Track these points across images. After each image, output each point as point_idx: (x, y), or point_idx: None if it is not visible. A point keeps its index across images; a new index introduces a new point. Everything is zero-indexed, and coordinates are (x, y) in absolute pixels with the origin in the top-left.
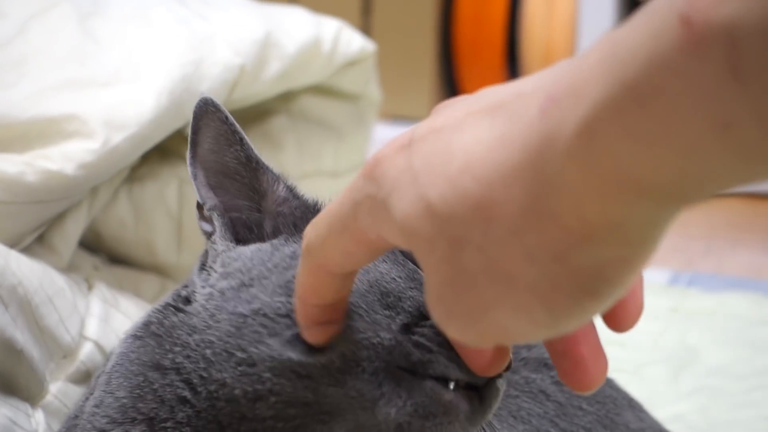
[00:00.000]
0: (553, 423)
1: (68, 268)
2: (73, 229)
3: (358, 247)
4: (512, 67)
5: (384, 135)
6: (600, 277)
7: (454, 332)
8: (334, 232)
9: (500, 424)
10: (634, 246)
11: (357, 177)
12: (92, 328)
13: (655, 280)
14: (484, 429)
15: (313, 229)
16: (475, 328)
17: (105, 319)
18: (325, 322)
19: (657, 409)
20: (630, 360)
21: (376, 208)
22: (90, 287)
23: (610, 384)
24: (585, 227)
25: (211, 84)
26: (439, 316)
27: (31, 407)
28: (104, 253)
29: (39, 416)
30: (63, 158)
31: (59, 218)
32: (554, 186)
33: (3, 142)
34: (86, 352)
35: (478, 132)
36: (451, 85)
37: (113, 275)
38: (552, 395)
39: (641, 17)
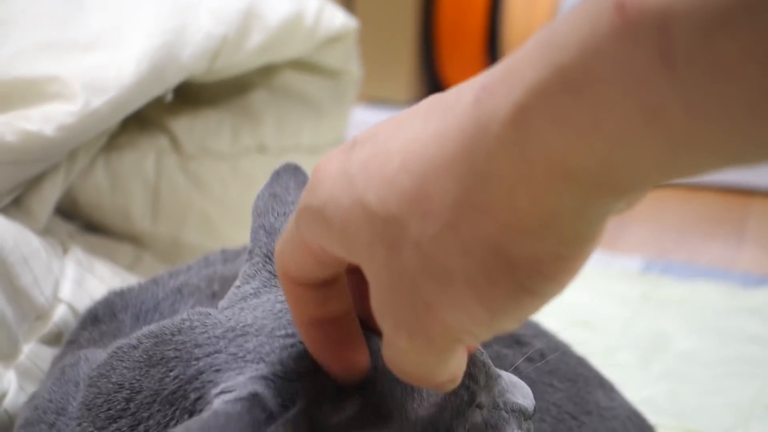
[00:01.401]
0: None
1: (44, 234)
2: (50, 193)
3: (307, 259)
4: (493, 54)
5: (363, 118)
6: (536, 272)
7: (405, 342)
8: (288, 243)
9: None
10: (568, 242)
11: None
12: (67, 291)
13: (627, 267)
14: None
15: (279, 240)
16: (422, 332)
17: (79, 283)
18: (333, 348)
19: (626, 392)
20: (599, 344)
21: (313, 220)
22: (65, 251)
23: (581, 363)
24: (518, 219)
25: (192, 51)
26: (388, 328)
27: (2, 367)
28: (80, 221)
29: (11, 375)
30: (42, 119)
31: (36, 182)
32: (487, 176)
33: None
34: (60, 314)
35: (414, 131)
36: (431, 70)
37: (88, 243)
38: (523, 371)
39: (580, 4)
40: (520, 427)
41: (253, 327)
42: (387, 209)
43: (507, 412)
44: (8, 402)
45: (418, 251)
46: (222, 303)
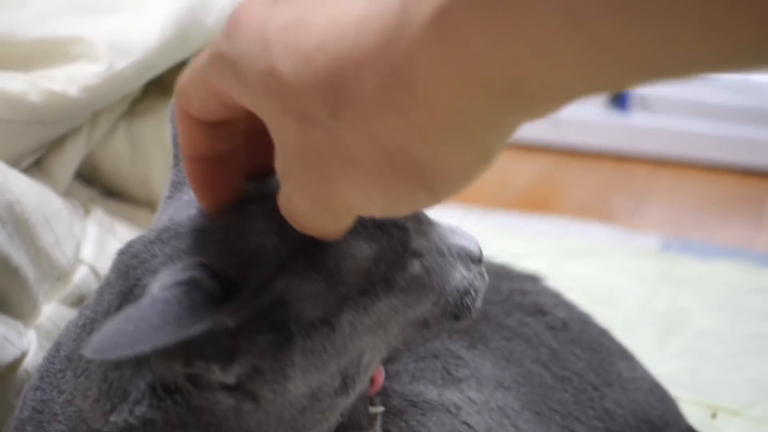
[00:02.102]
0: (546, 367)
1: (65, 196)
2: (72, 156)
3: (211, 98)
4: None
5: None
6: (438, 175)
7: (304, 205)
8: (195, 79)
9: (493, 366)
10: (475, 150)
11: (222, 29)
12: (88, 252)
13: (646, 245)
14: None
15: (184, 74)
16: (322, 201)
17: (101, 244)
18: (211, 183)
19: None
20: (619, 319)
21: (226, 68)
22: (87, 212)
23: (604, 334)
24: (430, 123)
25: (217, 16)
26: (289, 190)
27: (23, 326)
28: (100, 187)
29: (31, 335)
30: (67, 80)
31: (58, 144)
32: (405, 79)
33: (7, 60)
34: (81, 275)
35: (340, 8)
36: None
37: (108, 207)
38: (545, 340)
39: None
40: (468, 269)
41: (186, 226)
42: (300, 85)
43: (451, 256)
44: (28, 362)
45: (327, 133)
46: (156, 215)
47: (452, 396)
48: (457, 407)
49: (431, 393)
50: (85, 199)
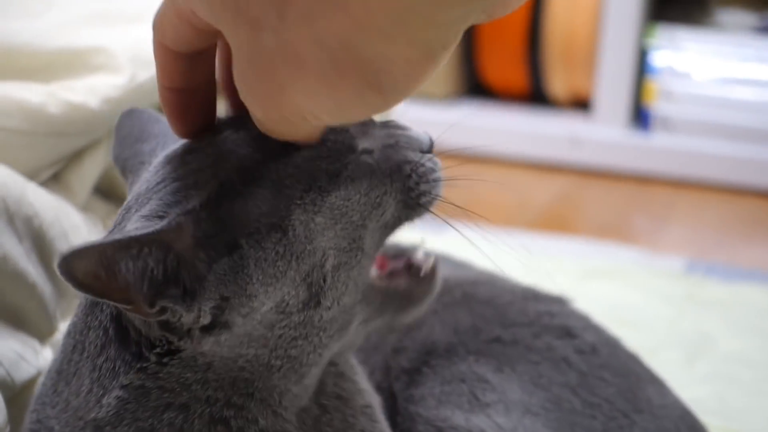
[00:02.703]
0: (575, 393)
1: (83, 210)
2: (91, 170)
3: (182, 25)
4: (533, 51)
5: (405, 112)
6: (383, 71)
7: (255, 109)
8: (168, 9)
9: (521, 390)
10: (417, 46)
11: None
12: None
13: (671, 267)
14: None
15: (159, 7)
16: (275, 109)
17: None
18: (185, 113)
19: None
20: (644, 343)
21: None
22: (105, 227)
23: (633, 359)
24: (370, 18)
25: None
26: (242, 93)
27: (39, 343)
28: (118, 201)
29: (47, 353)
30: (87, 91)
31: (77, 157)
32: None
33: (27, 71)
34: None
35: None
36: (470, 67)
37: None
38: (574, 364)
39: None
40: (417, 155)
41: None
42: None
43: (399, 146)
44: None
45: (276, 36)
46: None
47: (479, 422)
48: None
49: (458, 419)
50: (104, 214)
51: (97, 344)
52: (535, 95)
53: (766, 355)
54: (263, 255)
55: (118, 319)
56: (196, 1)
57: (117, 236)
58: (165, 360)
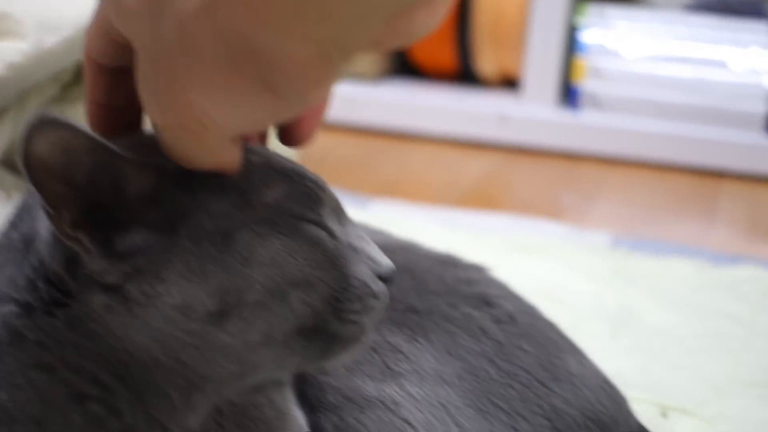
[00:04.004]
0: (491, 362)
1: None
2: None
3: (103, 36)
4: (462, 30)
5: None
6: (279, 70)
7: (158, 119)
8: (94, 23)
9: (435, 360)
10: (314, 43)
11: None
12: None
13: (597, 242)
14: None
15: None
16: (172, 110)
17: None
18: (110, 130)
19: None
20: (569, 317)
21: None
22: (9, 197)
23: (552, 328)
24: (269, 11)
25: None
26: (146, 105)
27: None
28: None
29: None
30: None
31: None
32: None
33: None
34: None
35: None
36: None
37: None
38: (491, 333)
39: None
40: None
41: None
42: None
43: (361, 258)
44: None
45: (177, 26)
46: None
47: (391, 391)
48: (396, 403)
49: (369, 388)
50: (11, 186)
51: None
52: (464, 74)
53: (691, 328)
54: (195, 250)
55: (28, 240)
56: (110, 8)
57: (97, 137)
58: (53, 310)
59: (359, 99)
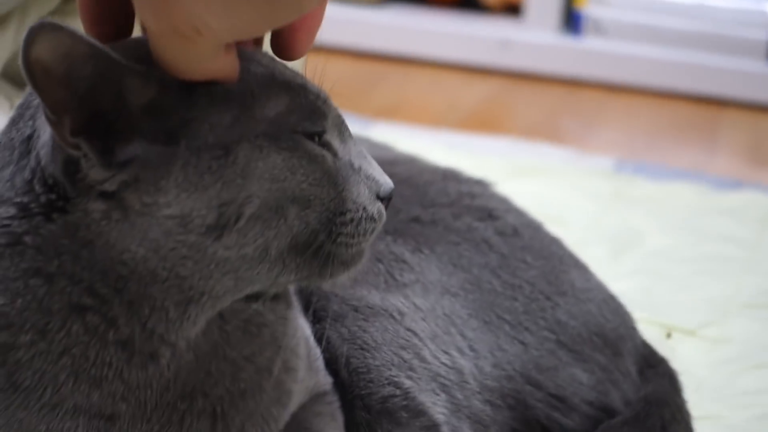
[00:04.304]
0: (495, 274)
1: None
2: None
3: None
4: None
5: (334, 16)
6: None
7: (152, 23)
8: None
9: (440, 271)
10: None
11: None
12: None
13: (600, 166)
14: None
15: None
16: (166, 14)
17: None
18: (98, 16)
19: None
20: (570, 238)
21: None
22: (12, 107)
23: (556, 243)
24: None
25: None
26: (139, 5)
27: None
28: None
29: None
30: None
31: None
32: None
33: None
34: None
35: None
36: None
37: None
38: (495, 246)
39: None
40: (372, 201)
41: None
42: None
43: (359, 176)
44: None
45: None
46: None
47: (396, 301)
48: (401, 313)
49: (374, 298)
50: (13, 96)
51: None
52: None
53: (693, 251)
54: (195, 162)
55: (28, 141)
56: None
57: (99, 44)
58: (51, 214)
59: (360, 23)
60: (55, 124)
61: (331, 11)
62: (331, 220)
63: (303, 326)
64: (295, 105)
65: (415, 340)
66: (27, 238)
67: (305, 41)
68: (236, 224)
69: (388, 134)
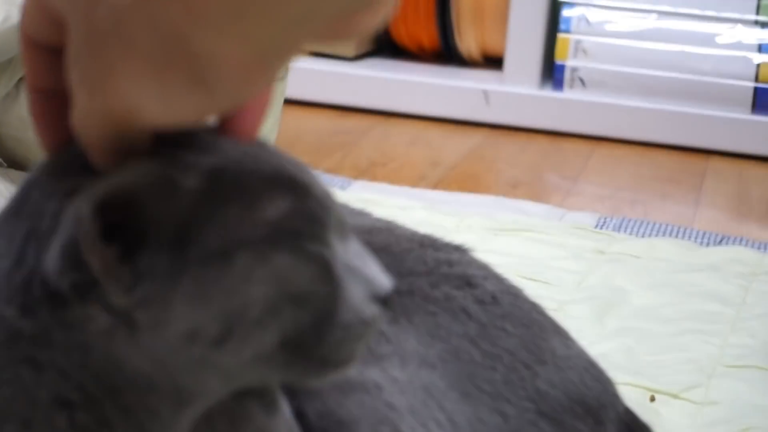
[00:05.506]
0: (474, 343)
1: None
2: None
3: (38, 13)
4: (444, 8)
5: (315, 69)
6: (212, 68)
7: (84, 99)
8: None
9: (417, 342)
10: (250, 45)
11: None
12: None
13: (581, 223)
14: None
15: None
16: (101, 94)
17: None
18: (54, 121)
19: None
20: (553, 298)
21: None
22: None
23: (536, 309)
24: (203, 6)
25: None
26: (74, 83)
27: None
28: (2, 157)
29: None
30: None
31: None
32: None
33: None
34: None
35: None
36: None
37: (10, 177)
38: (474, 315)
39: None
40: (370, 305)
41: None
42: None
43: (357, 279)
44: None
45: (112, 13)
46: None
47: (373, 374)
48: (379, 387)
49: (351, 371)
50: None
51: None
52: (446, 52)
53: (677, 309)
54: (203, 274)
55: (26, 238)
56: None
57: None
58: (51, 308)
59: (338, 77)
60: (100, 252)
61: (307, 65)
62: (322, 321)
63: (286, 413)
64: (298, 207)
65: (393, 415)
66: (25, 330)
67: (254, 121)
68: (237, 331)
69: (368, 193)
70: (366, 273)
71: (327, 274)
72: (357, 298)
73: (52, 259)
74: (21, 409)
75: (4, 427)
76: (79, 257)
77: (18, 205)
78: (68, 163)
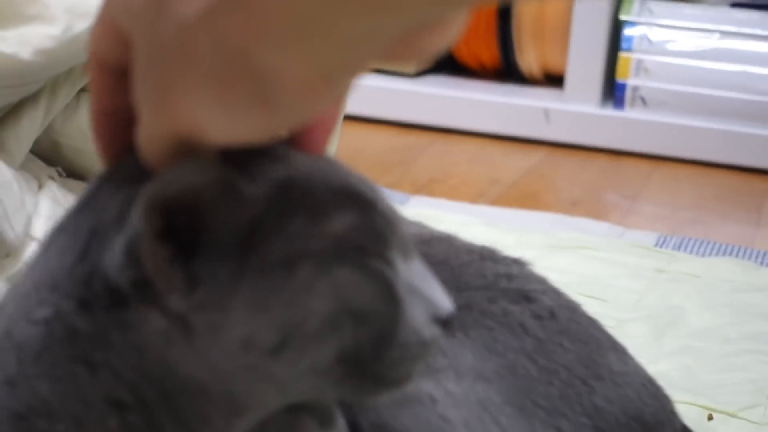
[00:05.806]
0: (531, 359)
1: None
2: (28, 129)
3: (110, 35)
4: (505, 26)
5: (376, 86)
6: (275, 85)
7: (146, 115)
8: (98, 21)
9: (473, 356)
10: (313, 64)
11: None
12: (39, 228)
13: (641, 241)
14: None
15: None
16: (162, 110)
17: (54, 220)
18: (115, 139)
19: None
20: (611, 316)
21: None
22: (41, 186)
23: (594, 325)
24: (269, 23)
25: None
26: (139, 97)
27: None
28: (62, 167)
29: None
30: (19, 42)
31: (14, 117)
32: None
33: None
34: (31, 252)
35: None
36: None
37: (69, 187)
38: (531, 330)
39: None
40: (431, 327)
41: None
42: None
43: (418, 300)
44: None
45: (176, 29)
46: None
47: (428, 387)
48: (434, 400)
49: None
50: (44, 176)
51: (59, 249)
52: (507, 70)
53: (736, 329)
54: (263, 282)
55: (91, 233)
56: (115, 3)
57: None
58: (109, 308)
59: (399, 94)
60: (154, 250)
61: (368, 81)
62: (381, 340)
63: (340, 427)
64: (362, 222)
65: (448, 427)
66: (82, 328)
67: (323, 137)
68: (294, 342)
69: (427, 209)
70: (428, 294)
71: (388, 292)
72: (418, 319)
73: (114, 254)
74: (73, 408)
75: (56, 426)
76: (140, 255)
77: (85, 202)
78: (137, 165)
